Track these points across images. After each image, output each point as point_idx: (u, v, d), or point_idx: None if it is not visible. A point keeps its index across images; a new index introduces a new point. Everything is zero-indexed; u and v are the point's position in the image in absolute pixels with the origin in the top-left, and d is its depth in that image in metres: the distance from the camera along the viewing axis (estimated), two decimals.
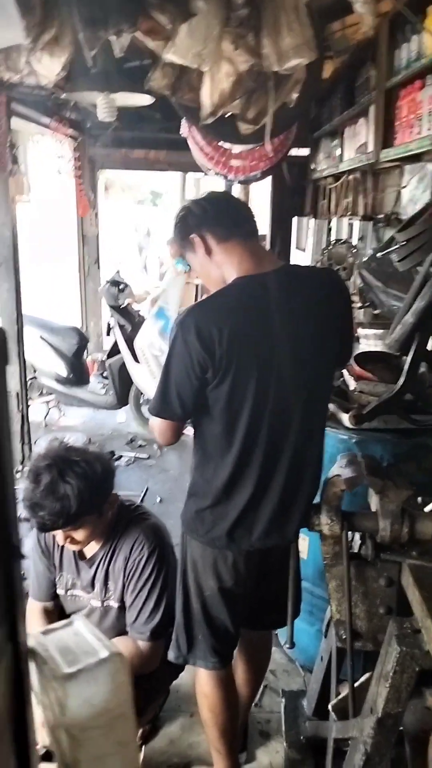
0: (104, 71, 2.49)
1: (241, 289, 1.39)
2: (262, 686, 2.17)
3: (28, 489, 1.60)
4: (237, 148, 3.22)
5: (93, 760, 0.60)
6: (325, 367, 1.50)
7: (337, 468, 1.56)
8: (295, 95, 2.30)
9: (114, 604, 1.80)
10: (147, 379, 4.08)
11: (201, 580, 1.54)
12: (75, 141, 5.21)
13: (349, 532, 1.61)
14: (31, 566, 1.88)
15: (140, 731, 1.88)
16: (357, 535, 1.68)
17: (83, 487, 1.58)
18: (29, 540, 1.92)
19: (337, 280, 1.53)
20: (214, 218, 1.44)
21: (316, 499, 1.59)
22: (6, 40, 1.67)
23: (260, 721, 2.06)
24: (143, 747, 1.85)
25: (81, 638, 0.66)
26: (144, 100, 2.80)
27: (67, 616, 1.93)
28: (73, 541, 1.71)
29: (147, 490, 3.70)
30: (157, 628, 1.70)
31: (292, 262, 4.18)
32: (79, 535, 1.68)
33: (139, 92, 2.63)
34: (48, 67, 1.90)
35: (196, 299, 4.52)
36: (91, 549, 1.78)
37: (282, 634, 2.10)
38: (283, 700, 2.06)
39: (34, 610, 1.88)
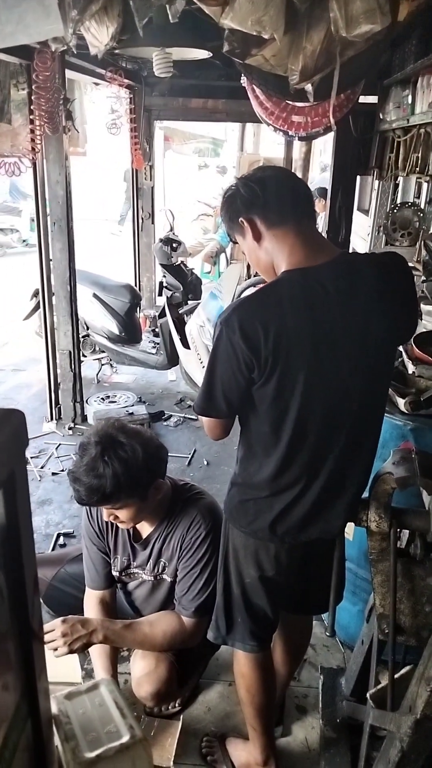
0: (160, 26, 2.37)
1: (289, 285, 1.31)
2: (302, 660, 2.20)
3: (76, 461, 1.66)
4: (299, 103, 3.03)
5: None
6: (385, 362, 1.42)
7: (390, 465, 1.50)
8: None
9: (167, 578, 1.85)
10: (195, 366, 4.02)
11: (242, 567, 1.54)
12: (131, 91, 5.05)
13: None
14: (86, 554, 1.92)
15: (179, 699, 1.95)
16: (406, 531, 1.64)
17: (120, 471, 1.60)
18: (82, 527, 1.96)
19: (400, 265, 1.40)
20: (265, 201, 1.34)
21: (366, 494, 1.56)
22: (44, 32, 1.59)
23: (297, 695, 2.09)
24: (182, 713, 1.92)
25: (105, 711, 0.66)
26: (201, 53, 2.65)
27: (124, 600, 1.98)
28: (117, 519, 1.74)
29: (195, 452, 3.73)
30: (202, 605, 1.75)
31: (350, 250, 3.95)
32: (122, 514, 1.71)
33: (196, 47, 2.49)
34: (97, 37, 1.80)
35: (248, 277, 4.36)
36: (145, 530, 1.81)
37: (325, 616, 2.10)
38: (322, 677, 2.09)
39: (91, 600, 1.93)
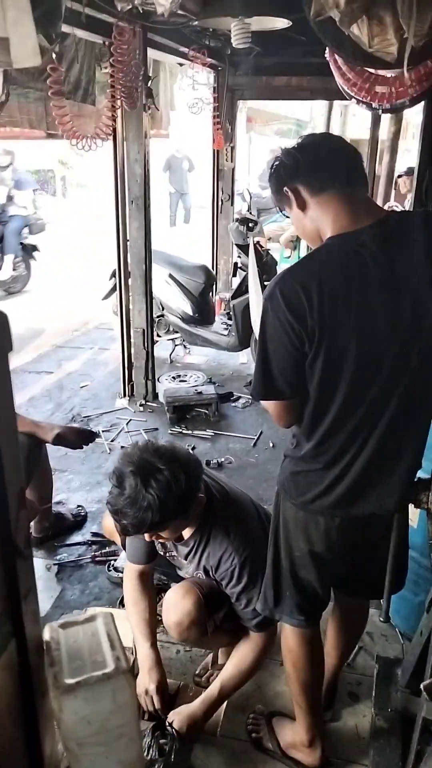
0: None
1: (333, 250, 1.25)
2: (357, 647, 2.14)
3: (113, 493, 1.60)
4: (383, 72, 2.88)
5: None
6: None
7: None
8: None
9: (211, 574, 1.83)
10: None
11: (291, 540, 1.50)
12: (215, 70, 5.03)
13: None
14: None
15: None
16: None
17: (165, 498, 1.55)
18: None
19: None
20: (307, 168, 1.29)
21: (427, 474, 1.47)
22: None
23: (351, 682, 2.03)
24: None
25: (95, 642, 0.65)
26: (281, 23, 2.58)
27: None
28: (159, 538, 1.74)
29: (261, 434, 3.70)
30: (262, 620, 1.74)
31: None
32: (165, 534, 1.70)
33: (275, 15, 2.42)
34: None
35: None
36: (186, 532, 1.80)
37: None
38: (377, 666, 2.01)
39: (130, 573, 1.95)
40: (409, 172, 5.51)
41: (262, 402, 1.42)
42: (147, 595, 1.93)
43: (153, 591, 1.98)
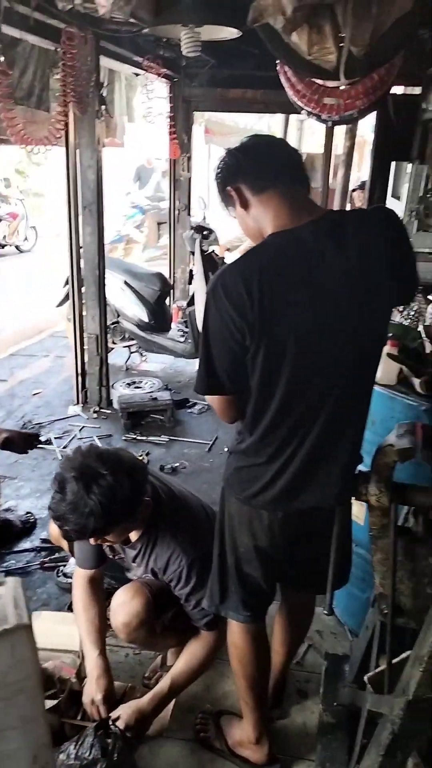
0: (188, 4, 2.37)
1: (274, 246, 1.28)
2: (306, 645, 2.16)
3: (55, 499, 1.58)
4: (332, 83, 2.97)
5: None
6: (381, 318, 1.37)
7: (392, 437, 1.45)
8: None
9: (159, 575, 1.82)
10: None
11: (236, 535, 1.51)
12: (170, 81, 5.08)
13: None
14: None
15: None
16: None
17: (108, 504, 1.54)
18: None
19: (388, 215, 1.35)
20: (249, 168, 1.32)
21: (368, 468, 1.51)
22: None
23: (299, 680, 2.05)
24: None
25: (0, 603, 0.64)
26: (231, 33, 2.63)
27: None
28: (105, 542, 1.74)
29: (216, 439, 3.71)
30: (212, 620, 1.75)
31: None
32: (111, 537, 1.69)
33: (224, 24, 2.47)
34: None
35: None
36: (133, 535, 1.79)
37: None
38: (326, 662, 2.03)
39: (80, 579, 1.93)
40: (362, 186, 5.67)
41: (206, 397, 1.43)
42: (97, 601, 1.90)
43: (103, 597, 1.95)
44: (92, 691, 1.78)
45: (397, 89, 4.82)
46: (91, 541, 1.71)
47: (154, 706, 1.75)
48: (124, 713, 1.72)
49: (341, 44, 1.88)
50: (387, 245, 1.29)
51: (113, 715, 1.72)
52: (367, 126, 5.38)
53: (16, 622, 0.62)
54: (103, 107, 3.51)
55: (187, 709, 1.89)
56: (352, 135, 6.64)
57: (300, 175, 1.36)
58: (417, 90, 4.64)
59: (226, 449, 3.59)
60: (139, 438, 3.74)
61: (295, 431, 1.36)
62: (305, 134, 10.79)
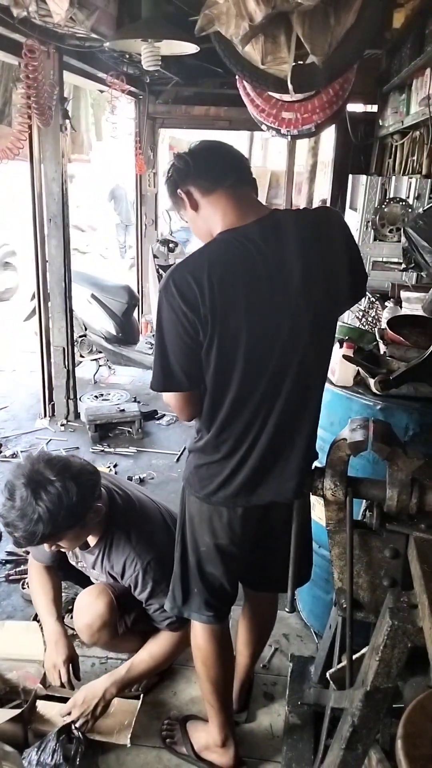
0: (148, 18, 2.43)
1: (222, 243, 1.31)
2: (273, 649, 2.16)
3: (5, 505, 1.59)
4: (288, 98, 3.04)
5: None
6: (329, 312, 1.40)
7: (346, 431, 1.48)
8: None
9: (117, 577, 1.83)
10: None
11: (197, 534, 1.52)
12: (135, 98, 5.15)
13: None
14: None
15: (143, 682, 1.92)
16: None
17: (55, 510, 1.55)
18: None
19: (332, 215, 1.41)
20: (197, 170, 1.36)
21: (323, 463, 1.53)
22: None
23: (266, 683, 2.05)
24: (141, 696, 1.88)
25: None
26: (189, 48, 2.70)
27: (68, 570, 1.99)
28: (59, 547, 1.74)
29: (184, 449, 3.71)
30: (174, 620, 1.77)
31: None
32: (64, 543, 1.70)
33: (184, 40, 2.54)
34: (57, 2, 1.83)
35: None
36: (91, 540, 1.80)
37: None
38: (291, 664, 2.04)
39: (34, 563, 1.94)
40: (325, 202, 5.79)
41: (163, 395, 1.44)
42: (51, 578, 1.95)
43: (58, 577, 1.99)
44: (53, 657, 1.82)
45: (356, 107, 4.98)
46: (45, 547, 1.71)
47: (109, 684, 1.75)
48: (80, 691, 1.75)
49: (296, 54, 1.94)
50: (331, 241, 1.34)
51: (72, 697, 1.75)
52: (330, 146, 5.52)
53: None
54: (68, 121, 3.54)
55: (154, 716, 1.88)
56: (314, 153, 6.82)
57: (246, 177, 1.40)
58: (374, 108, 4.82)
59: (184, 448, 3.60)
60: (107, 450, 3.72)
61: (250, 426, 1.38)
62: (270, 152, 11.01)
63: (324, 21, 1.98)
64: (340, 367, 1.96)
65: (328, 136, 5.64)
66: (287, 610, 1.65)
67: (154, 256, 4.36)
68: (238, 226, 1.32)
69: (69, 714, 1.70)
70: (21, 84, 3.27)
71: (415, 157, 3.83)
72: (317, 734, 1.80)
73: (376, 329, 2.13)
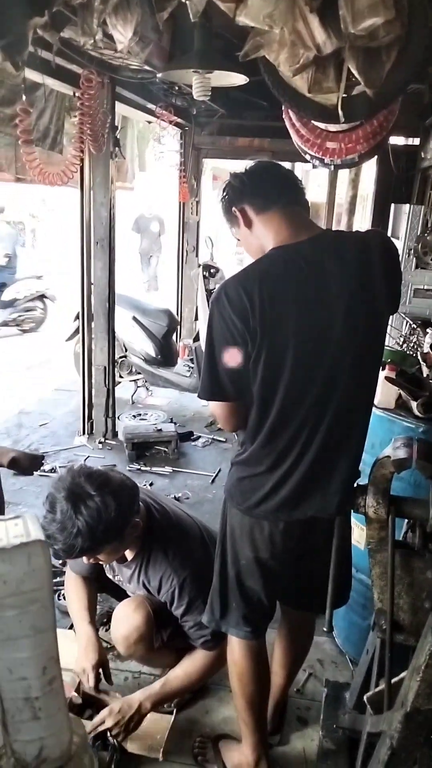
0: (198, 51, 2.53)
1: (274, 259, 1.36)
2: (307, 674, 2.13)
3: (46, 518, 1.62)
4: (333, 128, 3.11)
5: (5, 640, 0.63)
6: (376, 327, 1.42)
7: (389, 449, 1.48)
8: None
9: (153, 593, 1.84)
10: None
11: (238, 547, 1.52)
12: (182, 129, 5.32)
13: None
14: None
15: (176, 699, 1.91)
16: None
17: (95, 525, 1.57)
18: None
19: (381, 238, 1.44)
20: (253, 189, 1.42)
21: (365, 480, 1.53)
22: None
23: (300, 707, 2.02)
24: (174, 712, 1.87)
25: (19, 529, 0.69)
26: (239, 79, 2.80)
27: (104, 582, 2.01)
28: (97, 560, 1.77)
29: (219, 471, 3.73)
30: (209, 639, 1.76)
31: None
32: (102, 556, 1.73)
33: (232, 70, 2.64)
34: (121, 31, 1.94)
35: None
36: (128, 554, 1.82)
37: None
38: (326, 689, 2.00)
39: (71, 574, 1.97)
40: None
41: (210, 405, 1.47)
42: (87, 587, 1.97)
43: (94, 588, 2.01)
44: (82, 661, 1.84)
45: (398, 140, 5.05)
46: (84, 559, 1.74)
47: (143, 698, 1.75)
48: (115, 702, 1.75)
49: (350, 84, 2.00)
50: (381, 262, 1.37)
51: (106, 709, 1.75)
52: (370, 179, 5.59)
53: (33, 537, 0.67)
54: (117, 148, 3.68)
55: (185, 732, 1.86)
56: (354, 185, 6.90)
57: (300, 198, 1.45)
58: (416, 141, 4.88)
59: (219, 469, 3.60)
60: (143, 468, 3.76)
61: (295, 440, 1.39)
62: (310, 184, 11.14)
63: (377, 56, 2.04)
64: (382, 389, 1.96)
65: (369, 168, 5.73)
66: (325, 628, 1.64)
67: (204, 277, 4.46)
68: (290, 243, 1.36)
69: (103, 722, 1.71)
70: (74, 113, 3.45)
71: None
72: (352, 761, 1.76)
73: (418, 353, 2.13)
